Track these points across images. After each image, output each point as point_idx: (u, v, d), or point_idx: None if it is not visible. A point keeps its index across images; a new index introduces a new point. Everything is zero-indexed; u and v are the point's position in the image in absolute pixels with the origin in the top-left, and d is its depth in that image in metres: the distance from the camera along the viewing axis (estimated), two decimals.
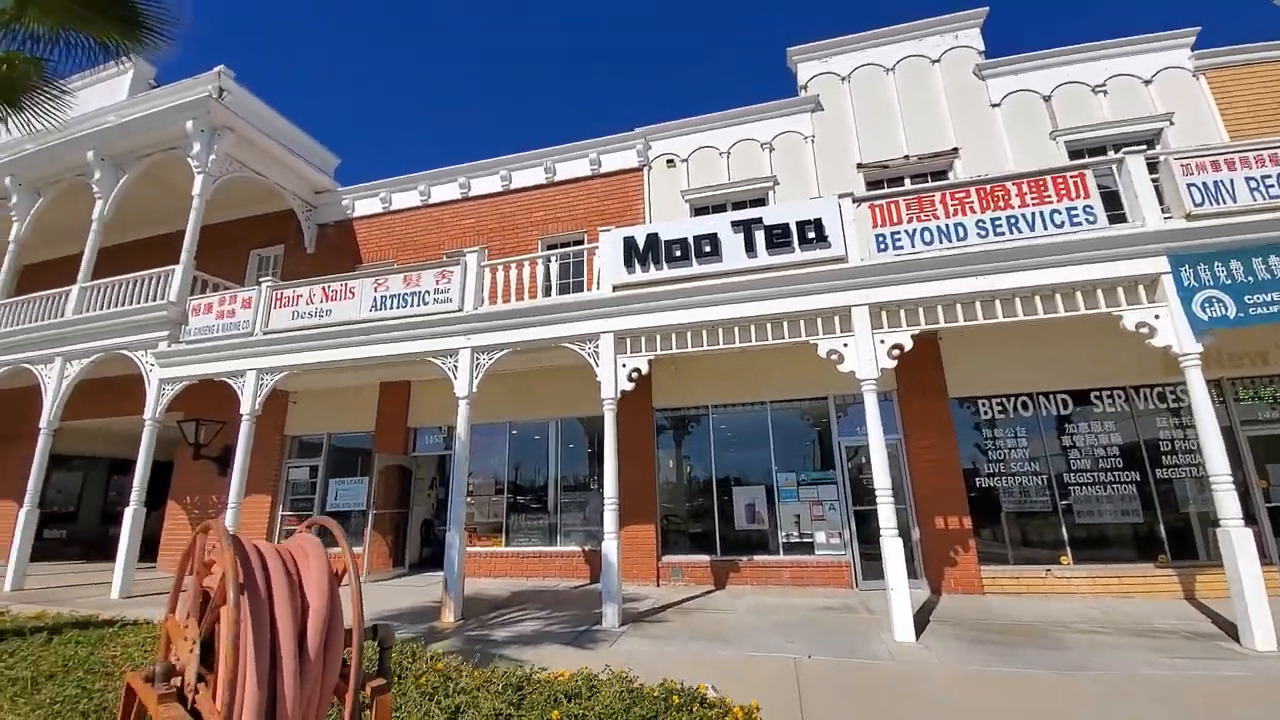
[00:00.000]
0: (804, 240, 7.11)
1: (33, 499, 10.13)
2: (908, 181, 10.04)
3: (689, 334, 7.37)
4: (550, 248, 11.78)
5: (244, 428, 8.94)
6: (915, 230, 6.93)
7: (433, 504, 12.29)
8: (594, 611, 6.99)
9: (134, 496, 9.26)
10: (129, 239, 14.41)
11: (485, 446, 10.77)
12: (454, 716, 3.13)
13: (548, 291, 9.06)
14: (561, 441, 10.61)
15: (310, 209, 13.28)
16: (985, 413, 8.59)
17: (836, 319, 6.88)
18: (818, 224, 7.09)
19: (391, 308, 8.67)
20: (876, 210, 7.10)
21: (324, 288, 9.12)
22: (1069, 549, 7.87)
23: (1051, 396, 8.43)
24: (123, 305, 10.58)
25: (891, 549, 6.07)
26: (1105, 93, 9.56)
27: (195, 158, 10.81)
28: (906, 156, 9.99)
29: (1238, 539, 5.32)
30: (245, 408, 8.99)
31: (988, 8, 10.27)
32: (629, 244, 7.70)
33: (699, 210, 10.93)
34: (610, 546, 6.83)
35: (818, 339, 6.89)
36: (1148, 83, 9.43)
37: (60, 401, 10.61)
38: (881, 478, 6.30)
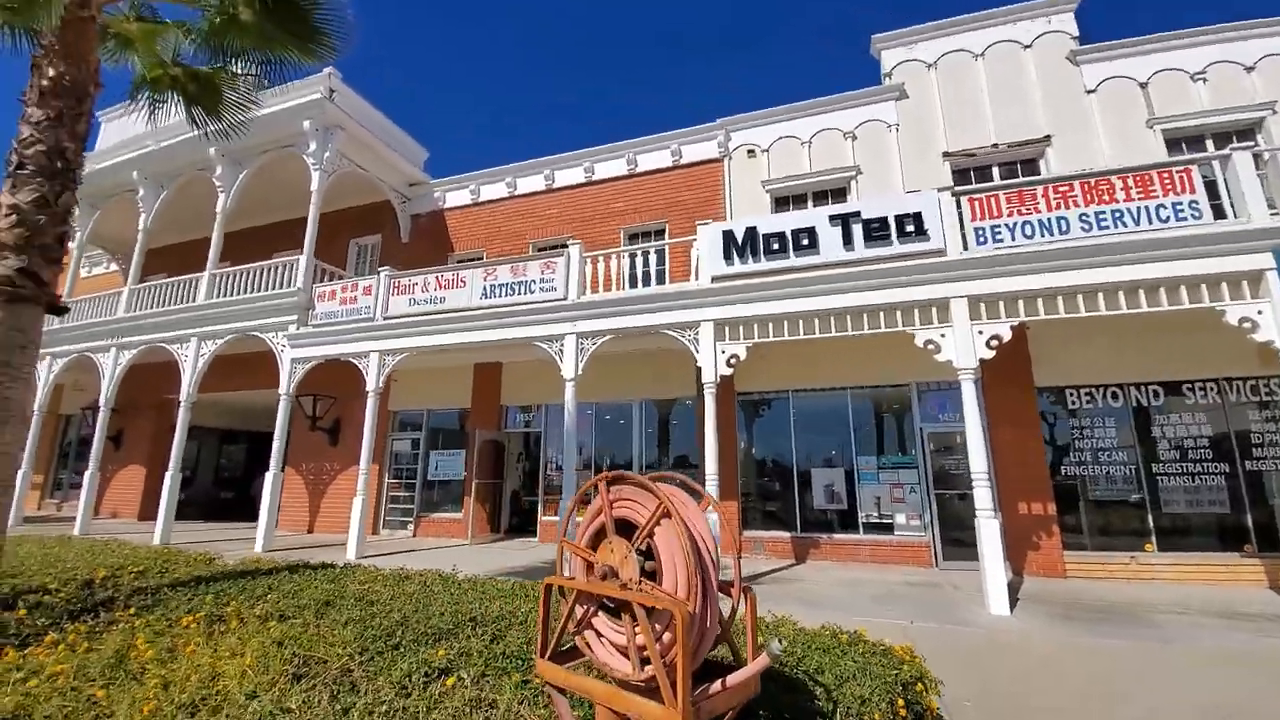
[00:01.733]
0: (902, 233, 7.43)
1: (176, 465, 11.44)
2: (995, 170, 10.10)
3: (786, 323, 7.83)
4: (631, 237, 12.34)
5: (370, 403, 9.93)
6: (1016, 224, 7.15)
7: (520, 476, 13.23)
8: None
9: (273, 463, 10.42)
10: (239, 227, 15.67)
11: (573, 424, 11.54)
12: None
13: (635, 282, 9.60)
14: (644, 421, 11.28)
15: (404, 200, 14.19)
16: (1072, 402, 8.77)
17: (934, 310, 7.21)
18: (917, 217, 7.39)
19: (500, 296, 9.43)
20: (976, 203, 7.35)
21: (437, 277, 9.95)
22: (1154, 537, 8.08)
23: (1142, 387, 8.53)
24: (252, 291, 11.74)
25: (988, 529, 6.48)
26: (1205, 80, 9.35)
27: (312, 155, 11.77)
28: (995, 145, 10.03)
29: None
30: (370, 385, 9.97)
31: None
32: (728, 237, 8.17)
33: (780, 200, 11.25)
34: (713, 519, 7.46)
35: (915, 329, 7.25)
36: (1250, 69, 9.17)
37: (197, 377, 11.91)
38: (978, 462, 6.68)
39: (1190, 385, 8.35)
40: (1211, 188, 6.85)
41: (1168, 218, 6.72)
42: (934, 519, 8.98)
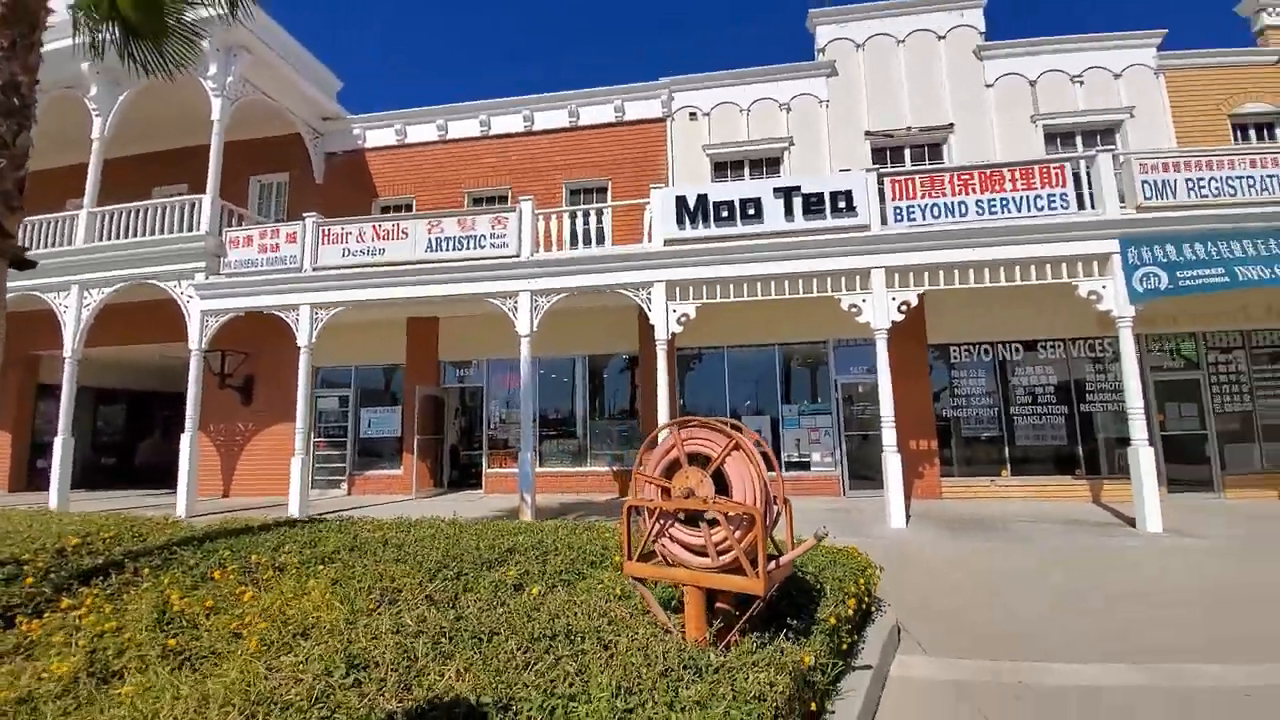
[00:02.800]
0: (835, 209, 8.30)
1: (66, 429, 10.29)
2: (907, 151, 11.28)
3: (732, 285, 8.54)
4: (573, 193, 12.39)
5: (303, 359, 9.52)
6: (927, 205, 8.25)
7: (457, 431, 13.25)
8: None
9: (189, 424, 9.73)
10: (111, 155, 13.61)
11: (516, 380, 11.75)
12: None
13: (582, 239, 9.81)
14: (585, 375, 11.74)
15: (317, 136, 13.04)
16: (954, 357, 10.41)
17: (858, 278, 8.23)
18: (848, 195, 8.28)
19: (447, 250, 9.27)
20: (896, 185, 8.35)
21: (375, 226, 9.53)
22: (1009, 465, 10.01)
23: (1007, 345, 10.29)
24: (145, 234, 10.48)
25: (892, 462, 7.79)
26: (1081, 83, 10.96)
27: (213, 79, 10.47)
28: (909, 128, 11.17)
29: (1143, 454, 7.31)
30: (302, 340, 9.52)
31: None
32: (680, 202, 8.63)
33: (718, 165, 11.80)
34: None
35: (841, 295, 8.25)
36: (1117, 76, 10.89)
37: (84, 330, 10.60)
38: (887, 408, 7.93)
39: (1043, 343, 10.20)
40: (1077, 179, 8.31)
41: (1043, 206, 8.11)
42: (843, 456, 10.42)
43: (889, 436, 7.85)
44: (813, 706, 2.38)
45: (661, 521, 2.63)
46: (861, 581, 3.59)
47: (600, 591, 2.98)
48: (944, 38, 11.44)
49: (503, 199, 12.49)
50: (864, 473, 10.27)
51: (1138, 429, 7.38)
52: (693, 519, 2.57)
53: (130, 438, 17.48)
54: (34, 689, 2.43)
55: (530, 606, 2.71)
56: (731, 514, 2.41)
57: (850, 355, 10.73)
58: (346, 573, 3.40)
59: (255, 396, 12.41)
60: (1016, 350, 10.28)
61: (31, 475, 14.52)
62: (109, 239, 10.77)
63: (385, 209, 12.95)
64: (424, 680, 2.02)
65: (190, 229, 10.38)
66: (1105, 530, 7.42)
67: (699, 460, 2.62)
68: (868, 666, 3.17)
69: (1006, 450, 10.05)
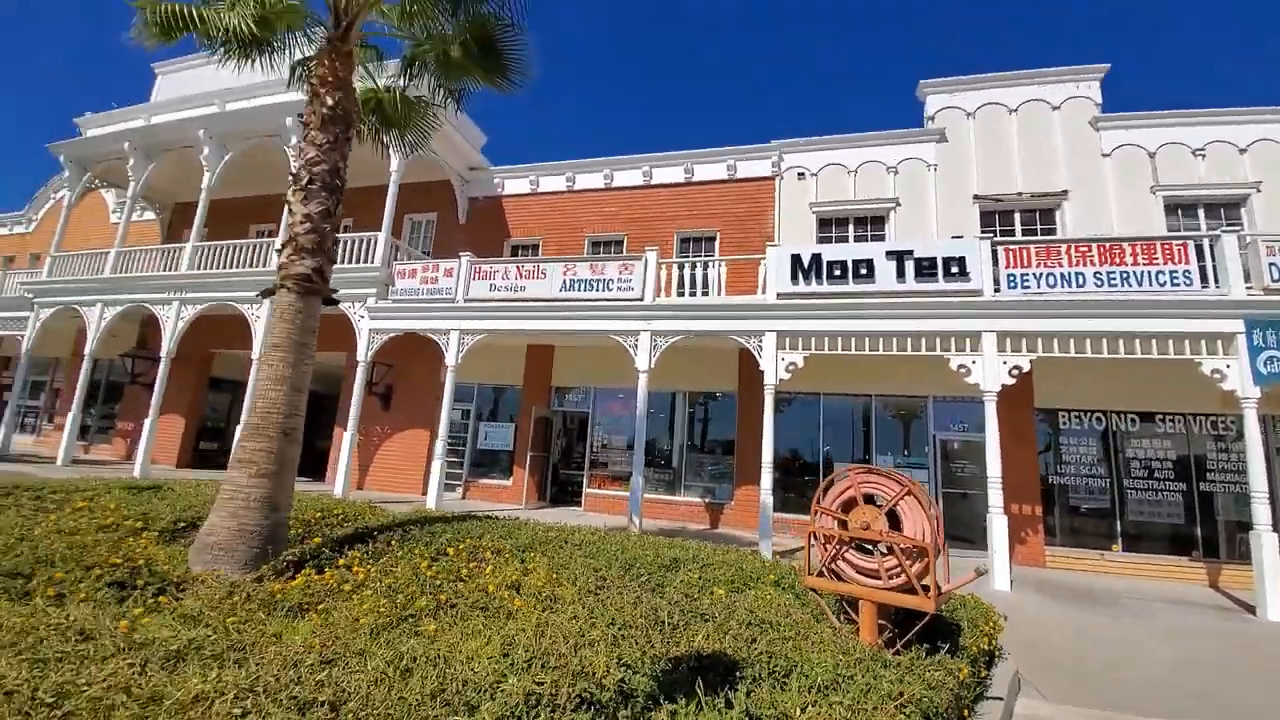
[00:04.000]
0: (947, 273, 8.75)
1: (247, 417, 12.18)
2: (1017, 215, 11.50)
3: (840, 338, 9.12)
4: (684, 241, 13.44)
5: (449, 377, 10.92)
6: (1042, 274, 8.54)
7: (559, 451, 14.33)
8: (744, 547, 9.00)
9: (350, 424, 11.34)
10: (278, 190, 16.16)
11: (620, 407, 12.73)
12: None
13: (694, 285, 10.68)
14: (685, 410, 12.52)
15: (464, 183, 14.93)
16: (1062, 423, 10.34)
17: (968, 340, 8.58)
18: (961, 260, 8.71)
19: (578, 290, 10.46)
20: (1010, 253, 8.70)
21: (518, 266, 10.91)
22: (1120, 540, 9.74)
23: (1121, 414, 10.12)
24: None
25: (999, 523, 7.96)
26: (1204, 156, 10.85)
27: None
28: (1020, 193, 11.42)
29: (1266, 540, 7.12)
30: (450, 360, 10.94)
31: (1110, 64, 11.46)
32: (795, 260, 9.37)
33: (824, 221, 12.48)
34: (767, 499, 8.80)
35: (950, 354, 8.62)
36: (1242, 151, 10.71)
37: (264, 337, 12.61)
38: (994, 468, 8.15)
39: (1161, 416, 9.96)
40: (1200, 252, 8.33)
41: (1165, 282, 8.19)
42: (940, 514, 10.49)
43: (995, 497, 8.05)
44: (965, 714, 2.94)
45: (838, 547, 3.32)
46: (989, 624, 4.07)
47: (771, 599, 3.68)
48: (1058, 108, 11.69)
49: (619, 244, 13.74)
50: (959, 532, 10.31)
51: (1261, 513, 7.21)
52: (863, 547, 3.25)
53: None
54: (370, 621, 3.42)
55: (725, 603, 3.45)
56: (904, 546, 3.07)
57: (949, 411, 10.89)
58: (557, 560, 4.29)
59: (392, 404, 14.09)
60: (1132, 421, 10.09)
61: (195, 455, 17.00)
62: None
63: (515, 248, 14.55)
64: (678, 639, 2.80)
65: (364, 260, 12.26)
66: (1223, 614, 7.24)
67: (870, 500, 3.30)
68: (998, 698, 3.65)
69: (1117, 524, 9.81)
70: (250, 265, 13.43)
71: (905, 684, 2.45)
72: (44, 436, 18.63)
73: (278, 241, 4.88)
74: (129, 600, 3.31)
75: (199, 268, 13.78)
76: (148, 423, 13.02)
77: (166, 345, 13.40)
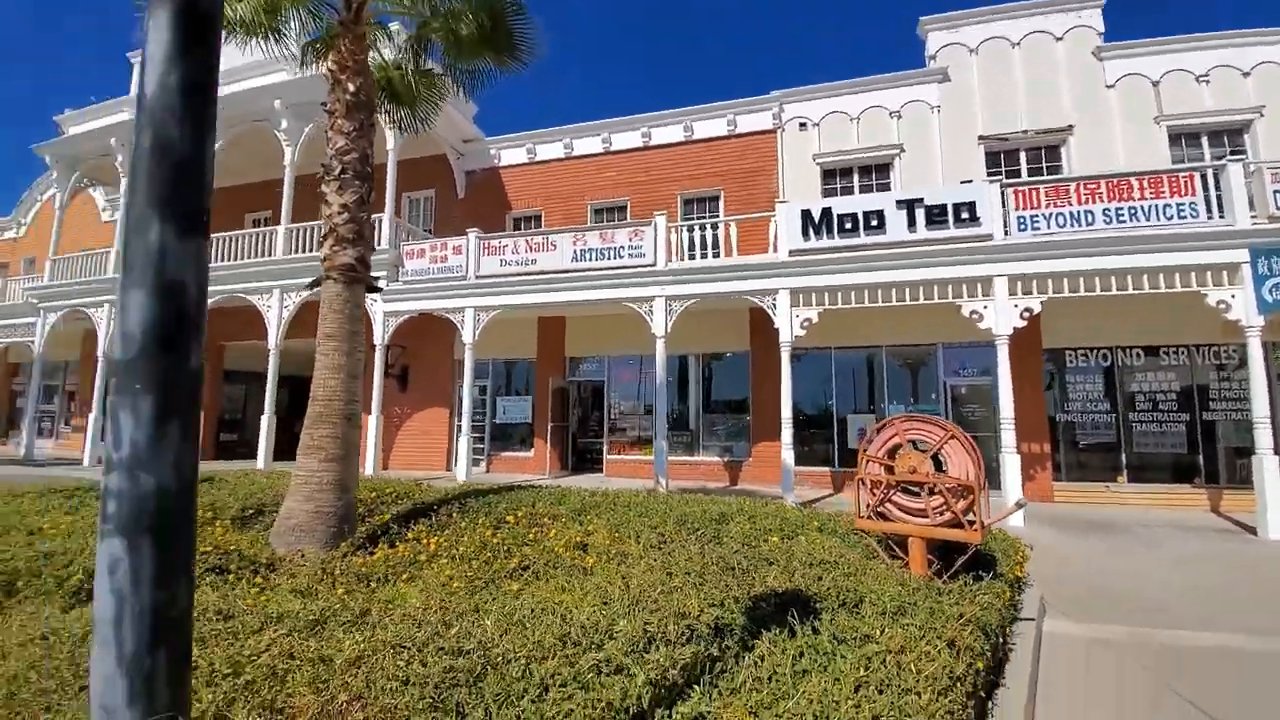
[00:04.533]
0: (958, 219, 8.83)
1: (270, 408, 12.44)
2: (1023, 155, 11.47)
3: (854, 292, 9.26)
4: (687, 203, 13.39)
5: (468, 354, 11.12)
6: (1051, 214, 8.63)
7: (576, 420, 14.64)
8: (771, 500, 9.38)
9: (374, 407, 11.58)
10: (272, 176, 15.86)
11: (634, 374, 12.96)
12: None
13: (705, 246, 10.74)
14: (699, 372, 12.75)
15: (459, 156, 14.73)
16: (1070, 361, 10.59)
17: (979, 285, 8.74)
18: (971, 206, 8.78)
19: (590, 260, 10.52)
20: (1019, 195, 8.77)
21: (528, 240, 10.93)
22: (1125, 471, 10.14)
23: (1128, 350, 10.36)
24: None
25: (1012, 462, 8.29)
26: (1208, 82, 10.75)
27: (385, 114, 12.20)
28: (1025, 131, 11.35)
29: (1268, 463, 7.47)
30: (467, 338, 11.11)
31: None
32: (805, 215, 9.42)
33: (828, 173, 12.43)
34: (788, 455, 9.13)
35: (962, 301, 8.79)
36: (1246, 74, 10.60)
37: (283, 326, 12.72)
38: (1007, 410, 8.44)
39: (1165, 349, 10.21)
40: (1205, 183, 8.40)
41: (1172, 215, 8.29)
42: None
43: (1008, 438, 8.36)
44: (1007, 630, 3.26)
45: (886, 491, 3.58)
46: (1018, 555, 4.38)
47: (820, 543, 3.97)
48: (1061, 39, 11.49)
49: (622, 209, 13.69)
50: None
51: (1263, 438, 7.53)
52: (909, 489, 3.50)
53: (289, 416, 20.25)
54: (461, 585, 3.71)
55: (782, 548, 3.73)
56: (950, 486, 3.32)
57: (958, 357, 11.13)
58: (614, 521, 4.57)
59: (409, 384, 14.30)
60: (1137, 355, 10.34)
61: (218, 448, 17.32)
62: (301, 251, 12.86)
63: (517, 220, 14.49)
64: (751, 580, 3.08)
65: (374, 243, 12.25)
66: (1226, 536, 7.65)
67: (917, 445, 3.54)
68: (1030, 619, 3.99)
69: (1123, 457, 10.18)
70: (256, 255, 13.41)
71: (964, 605, 2.73)
72: (63, 440, 18.89)
73: (319, 233, 4.97)
74: (238, 583, 3.58)
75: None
76: None
77: None
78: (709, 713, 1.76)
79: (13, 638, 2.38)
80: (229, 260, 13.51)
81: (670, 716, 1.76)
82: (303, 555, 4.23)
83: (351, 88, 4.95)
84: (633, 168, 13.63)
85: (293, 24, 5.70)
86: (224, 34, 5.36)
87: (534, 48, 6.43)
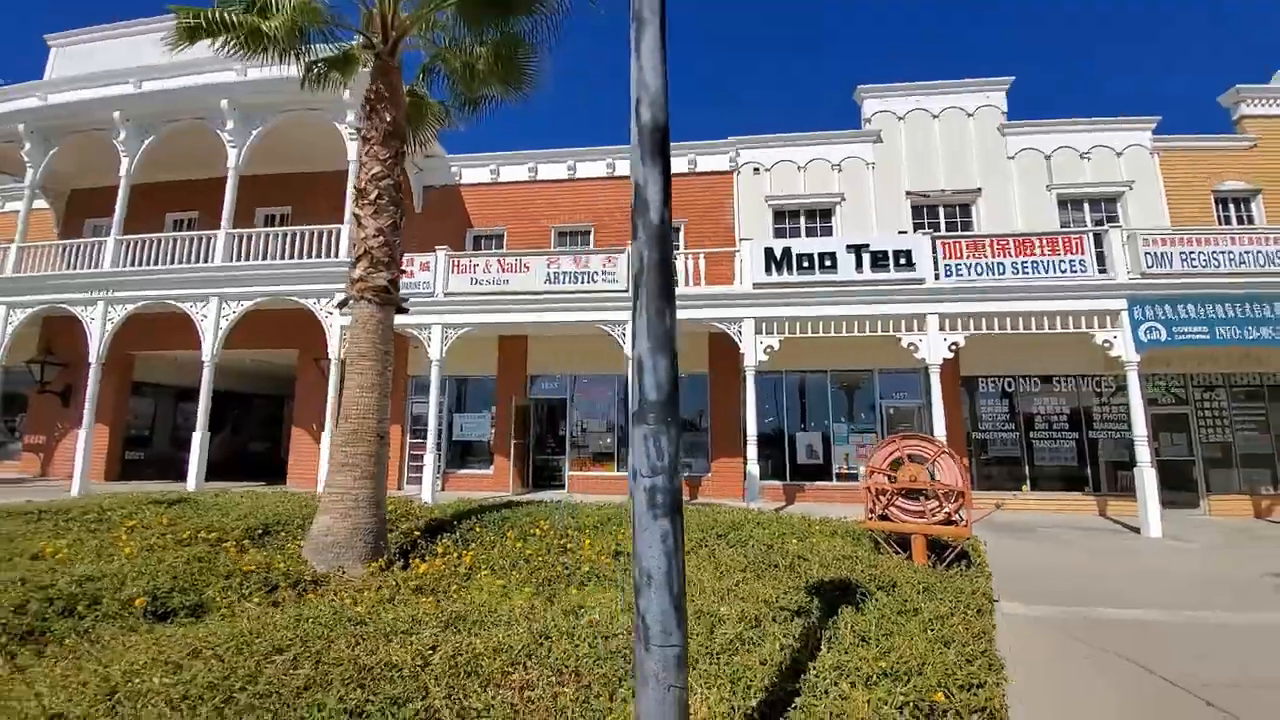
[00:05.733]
0: (897, 264, 10.09)
1: (204, 424, 11.62)
2: (941, 210, 13.18)
3: (809, 323, 10.25)
4: None
5: (434, 371, 11.00)
6: (971, 264, 10.08)
7: (534, 438, 14.67)
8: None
9: (328, 423, 11.09)
10: (204, 176, 14.85)
11: (596, 392, 13.32)
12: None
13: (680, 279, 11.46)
14: None
15: (418, 170, 14.59)
16: (982, 388, 12.20)
17: (915, 321, 9.99)
18: (909, 253, 10.07)
19: (564, 283, 10.87)
20: (945, 245, 10.17)
21: (500, 260, 11.11)
22: (1029, 482, 11.77)
23: (1026, 378, 12.11)
24: (282, 257, 11.95)
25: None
26: (1089, 159, 12.99)
27: (349, 125, 12.02)
28: (943, 190, 13.08)
29: (1148, 474, 9.07)
30: (434, 355, 11.01)
31: (1013, 77, 13.31)
32: (768, 253, 10.35)
33: (778, 213, 13.60)
34: (753, 469, 9.86)
35: (901, 334, 10.00)
36: (1119, 154, 12.93)
37: (220, 339, 11.94)
38: (940, 428, 9.62)
39: (1058, 378, 12.03)
40: (1097, 239, 10.17)
41: (1066, 269, 9.96)
42: None
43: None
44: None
45: (890, 497, 4.26)
46: (977, 551, 5.23)
47: (829, 543, 4.58)
48: (972, 115, 13.43)
49: (585, 234, 14.15)
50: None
51: (1143, 453, 9.16)
52: (910, 495, 4.20)
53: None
54: (522, 591, 3.95)
55: (805, 548, 4.30)
56: (943, 491, 4.05)
57: (893, 382, 12.47)
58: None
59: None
60: (1034, 383, 12.10)
61: (123, 466, 15.63)
62: (243, 259, 12.20)
63: (478, 238, 14.54)
64: (799, 573, 3.60)
65: (323, 254, 11.87)
66: (1118, 535, 9.18)
67: (915, 459, 4.26)
68: (995, 600, 4.80)
69: (1026, 469, 11.82)
70: (187, 260, 12.51)
71: (975, 584, 3.41)
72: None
73: (350, 255, 5.04)
74: (301, 598, 3.63)
75: (126, 264, 12.64)
76: (82, 434, 11.95)
77: (96, 350, 12.28)
78: (845, 661, 2.24)
79: (176, 652, 2.44)
80: (158, 264, 12.51)
81: (817, 666, 2.22)
82: (343, 571, 4.27)
83: (388, 117, 5.13)
84: (597, 196, 14.17)
85: (313, 46, 5.77)
86: (249, 49, 5.40)
87: (539, 80, 6.82)
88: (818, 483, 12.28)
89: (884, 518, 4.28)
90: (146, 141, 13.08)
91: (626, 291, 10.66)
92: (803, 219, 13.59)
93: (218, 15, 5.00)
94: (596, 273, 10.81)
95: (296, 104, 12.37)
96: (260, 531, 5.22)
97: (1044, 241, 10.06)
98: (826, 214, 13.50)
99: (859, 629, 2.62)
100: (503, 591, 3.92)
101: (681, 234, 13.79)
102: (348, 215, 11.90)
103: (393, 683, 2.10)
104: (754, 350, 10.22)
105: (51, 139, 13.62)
